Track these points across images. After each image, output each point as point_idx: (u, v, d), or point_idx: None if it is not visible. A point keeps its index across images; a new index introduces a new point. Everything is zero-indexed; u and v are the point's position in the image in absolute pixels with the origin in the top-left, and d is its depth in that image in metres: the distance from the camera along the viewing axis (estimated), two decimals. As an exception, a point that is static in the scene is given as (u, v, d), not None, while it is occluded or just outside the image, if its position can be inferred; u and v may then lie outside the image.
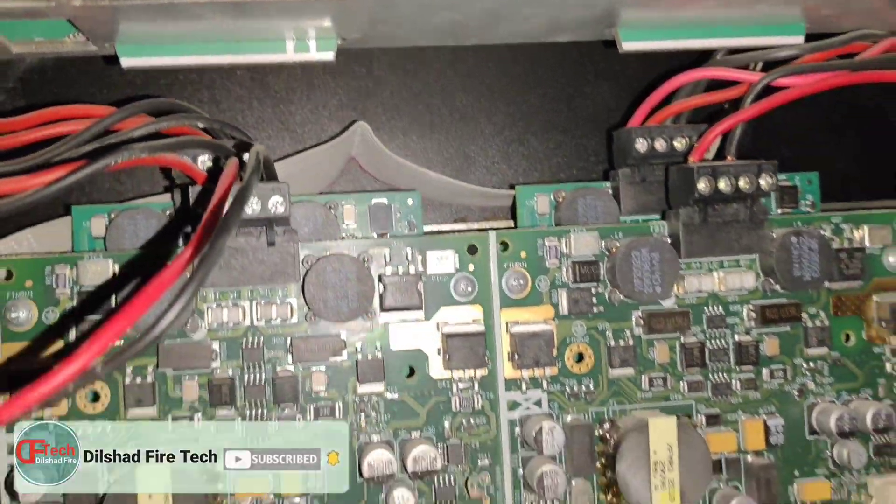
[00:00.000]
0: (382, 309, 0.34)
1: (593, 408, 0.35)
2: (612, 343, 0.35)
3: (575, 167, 0.42)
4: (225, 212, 0.23)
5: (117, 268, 0.32)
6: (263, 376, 0.33)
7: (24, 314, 0.32)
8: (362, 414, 0.34)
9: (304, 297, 0.33)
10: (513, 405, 0.35)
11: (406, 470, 0.33)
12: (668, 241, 0.35)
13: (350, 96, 0.41)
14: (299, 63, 0.33)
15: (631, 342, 0.35)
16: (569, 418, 0.35)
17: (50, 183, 0.26)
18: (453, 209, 0.42)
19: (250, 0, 0.29)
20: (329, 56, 0.33)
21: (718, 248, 0.35)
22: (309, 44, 0.32)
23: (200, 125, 0.33)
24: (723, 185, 0.34)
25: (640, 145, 0.37)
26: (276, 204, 0.31)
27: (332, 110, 0.41)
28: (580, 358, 0.35)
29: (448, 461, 0.34)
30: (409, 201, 0.37)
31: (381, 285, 0.34)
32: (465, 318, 0.34)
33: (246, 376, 0.33)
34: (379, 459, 0.32)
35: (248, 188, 0.24)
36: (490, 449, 0.34)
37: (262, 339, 0.33)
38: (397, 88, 0.42)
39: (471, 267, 0.35)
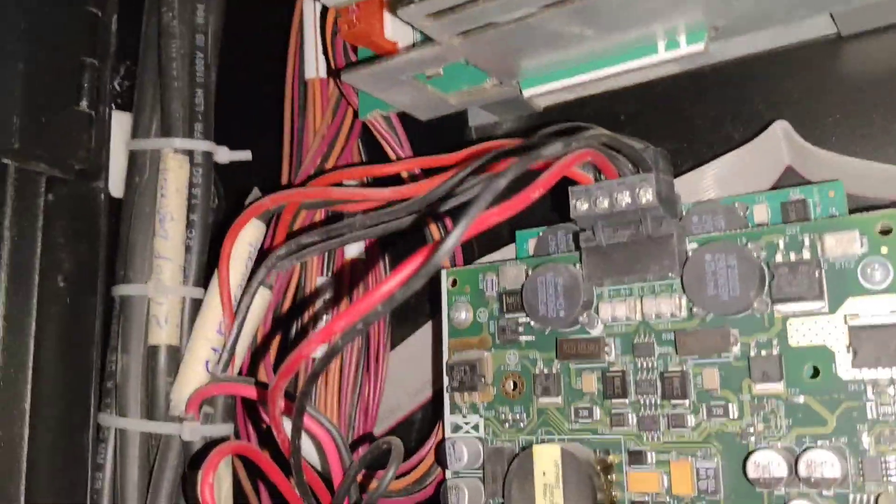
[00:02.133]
0: (775, 300, 0.31)
1: None
2: None
3: None
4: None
5: (530, 271, 0.37)
6: (654, 371, 0.33)
7: (465, 314, 0.38)
8: (759, 416, 0.31)
9: (684, 290, 0.32)
10: (954, 416, 0.28)
11: (799, 477, 0.29)
12: None
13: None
14: (667, 61, 0.34)
15: None
16: None
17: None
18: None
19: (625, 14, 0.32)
20: (700, 48, 0.33)
21: None
22: (679, 39, 0.33)
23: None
24: None
25: None
26: (644, 195, 0.32)
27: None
28: None
29: (863, 476, 0.29)
30: (831, 193, 0.34)
31: (771, 273, 0.31)
32: (878, 308, 0.29)
33: (637, 371, 0.34)
34: (766, 459, 0.29)
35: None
36: (923, 468, 0.28)
37: (652, 333, 0.33)
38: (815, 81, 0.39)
39: (883, 250, 0.30)
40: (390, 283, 0.24)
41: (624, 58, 0.35)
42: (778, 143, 0.38)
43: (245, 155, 0.43)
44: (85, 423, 0.39)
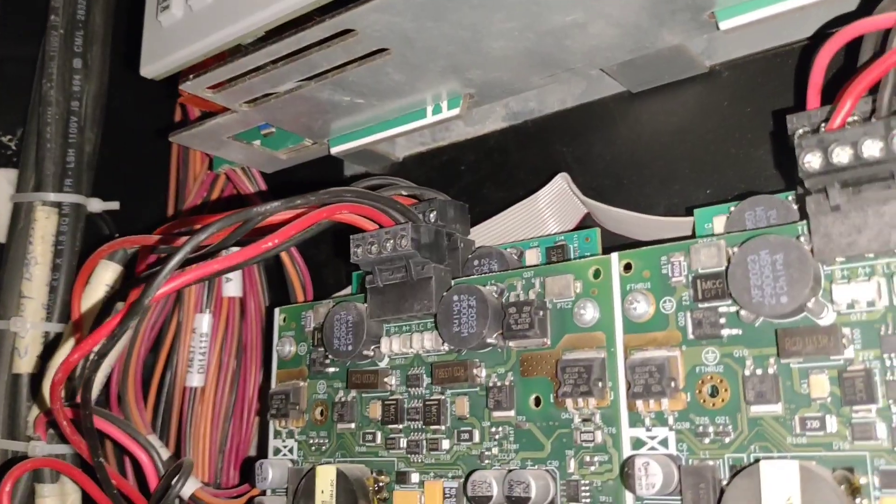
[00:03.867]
0: (507, 337, 0.34)
1: (730, 453, 0.29)
2: (749, 373, 0.29)
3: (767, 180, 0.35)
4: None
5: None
6: (420, 399, 0.37)
7: (289, 348, 0.43)
8: (494, 441, 0.34)
9: (436, 327, 0.36)
10: (637, 443, 0.31)
11: (504, 495, 0.32)
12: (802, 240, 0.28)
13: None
14: (436, 123, 0.38)
15: (772, 371, 0.28)
16: (694, 462, 0.29)
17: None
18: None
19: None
20: (456, 112, 0.37)
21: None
22: (442, 105, 0.37)
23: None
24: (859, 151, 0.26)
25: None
26: (403, 242, 0.36)
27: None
28: (714, 392, 0.29)
29: (567, 499, 0.32)
30: (587, 239, 0.37)
31: (505, 314, 0.35)
32: (587, 344, 0.33)
33: (410, 399, 0.37)
34: (481, 478, 0.33)
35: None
36: (612, 490, 0.31)
37: (422, 366, 0.37)
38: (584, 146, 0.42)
39: (593, 292, 0.33)
40: (108, 327, 0.29)
41: (402, 120, 0.39)
42: (566, 192, 0.41)
43: (114, 205, 0.49)
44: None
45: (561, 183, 0.41)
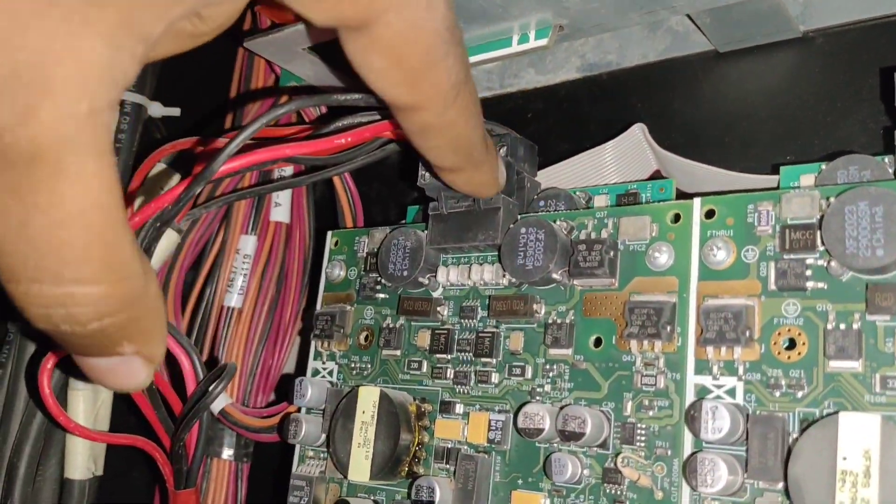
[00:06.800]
0: (573, 274, 0.33)
1: (801, 407, 0.28)
2: (831, 326, 0.28)
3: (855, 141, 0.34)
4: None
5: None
6: (473, 332, 0.36)
7: (339, 272, 0.42)
8: (548, 378, 0.34)
9: (499, 259, 0.35)
10: (702, 391, 0.30)
11: (556, 428, 0.31)
12: (907, 193, 0.27)
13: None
14: (521, 53, 0.37)
15: (856, 326, 0.27)
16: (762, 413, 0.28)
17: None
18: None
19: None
20: (544, 42, 0.36)
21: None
22: (529, 35, 0.36)
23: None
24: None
25: (908, 91, 0.29)
26: (476, 168, 0.35)
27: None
28: (791, 345, 0.29)
29: (621, 441, 0.31)
30: (661, 189, 0.37)
31: (574, 250, 0.34)
32: (657, 288, 0.32)
33: (459, 330, 0.37)
34: (534, 410, 0.32)
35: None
36: (669, 436, 0.30)
37: (478, 298, 0.36)
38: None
39: (670, 236, 0.32)
40: (173, 193, 0.28)
41: (486, 48, 0.38)
42: (640, 144, 0.40)
43: (174, 111, 0.48)
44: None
45: (637, 133, 0.40)
